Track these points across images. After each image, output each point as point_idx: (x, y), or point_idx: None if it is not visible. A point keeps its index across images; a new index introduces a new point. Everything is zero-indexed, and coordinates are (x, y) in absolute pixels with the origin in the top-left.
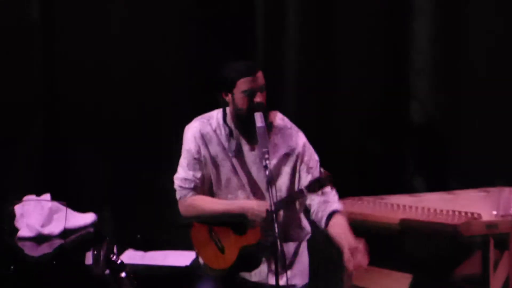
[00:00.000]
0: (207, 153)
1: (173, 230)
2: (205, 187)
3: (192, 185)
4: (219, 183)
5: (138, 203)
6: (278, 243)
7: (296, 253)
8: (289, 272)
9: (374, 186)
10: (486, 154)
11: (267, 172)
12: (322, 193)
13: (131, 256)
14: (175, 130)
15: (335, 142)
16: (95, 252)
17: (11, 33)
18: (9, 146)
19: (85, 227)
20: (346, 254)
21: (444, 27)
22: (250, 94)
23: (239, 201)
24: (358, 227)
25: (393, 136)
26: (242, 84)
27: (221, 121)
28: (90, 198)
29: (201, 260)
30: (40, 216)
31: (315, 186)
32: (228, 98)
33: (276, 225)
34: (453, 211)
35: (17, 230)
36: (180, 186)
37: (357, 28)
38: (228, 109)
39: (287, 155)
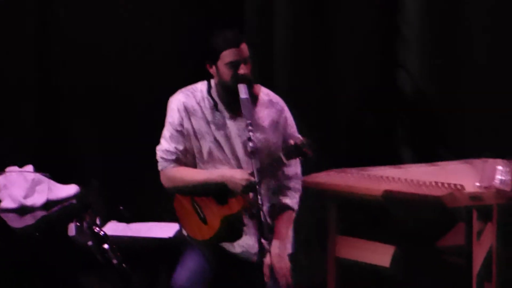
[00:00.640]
0: (190, 126)
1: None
2: (188, 159)
3: (174, 157)
4: (202, 156)
5: (123, 175)
6: (261, 213)
7: None
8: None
9: (362, 156)
10: (475, 125)
11: (250, 144)
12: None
13: (114, 228)
14: (163, 105)
15: (325, 114)
16: (78, 224)
17: (3, 13)
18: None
19: (67, 199)
20: (268, 261)
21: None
22: (234, 66)
23: (220, 170)
24: (342, 199)
25: (383, 107)
26: (226, 56)
27: (205, 94)
28: (77, 171)
29: (184, 232)
30: (23, 188)
31: (293, 153)
32: (212, 70)
33: (258, 195)
34: (437, 183)
35: None
36: (162, 158)
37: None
38: (212, 81)
39: (271, 128)
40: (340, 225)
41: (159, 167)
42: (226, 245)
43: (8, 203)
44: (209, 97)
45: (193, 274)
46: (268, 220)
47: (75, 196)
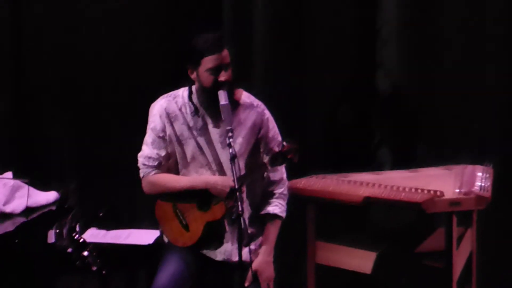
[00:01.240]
0: (172, 132)
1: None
2: (170, 165)
3: (155, 163)
4: (184, 161)
5: (103, 179)
6: (242, 219)
7: (262, 229)
8: (253, 248)
9: (340, 157)
10: (454, 125)
11: (230, 150)
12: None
13: (93, 234)
14: (145, 109)
15: (303, 112)
16: (57, 231)
17: None
18: None
19: (47, 205)
20: (253, 266)
21: None
22: (214, 72)
23: (203, 177)
24: (322, 205)
25: (360, 106)
26: (207, 63)
27: (186, 99)
28: (56, 174)
29: (165, 238)
30: (2, 194)
31: (278, 160)
32: (194, 76)
33: (239, 201)
34: (416, 189)
35: None
36: (144, 164)
37: None
38: (194, 87)
39: (252, 132)
40: (320, 231)
41: (141, 174)
42: (208, 253)
43: None
44: (190, 102)
45: (173, 279)
46: (248, 227)
47: (54, 203)
